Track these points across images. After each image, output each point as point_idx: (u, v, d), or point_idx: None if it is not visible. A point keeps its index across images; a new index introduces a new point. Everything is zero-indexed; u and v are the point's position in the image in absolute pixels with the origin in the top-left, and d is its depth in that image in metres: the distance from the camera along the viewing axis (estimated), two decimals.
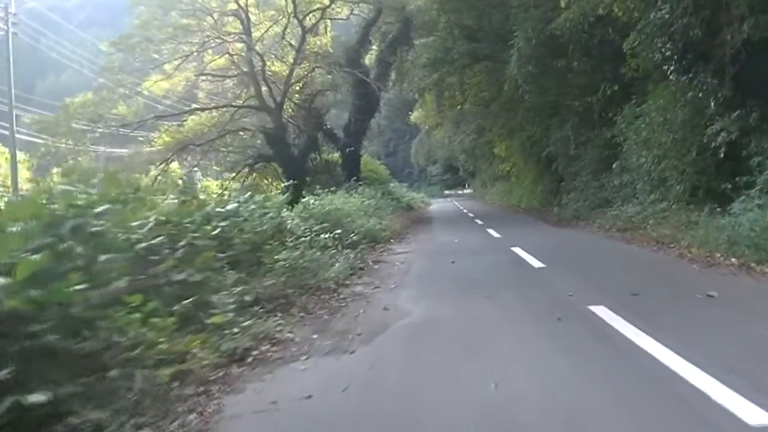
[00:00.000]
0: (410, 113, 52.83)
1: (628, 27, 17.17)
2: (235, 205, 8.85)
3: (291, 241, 10.24)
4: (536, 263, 11.28)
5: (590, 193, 21.96)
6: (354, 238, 14.25)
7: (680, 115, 14.90)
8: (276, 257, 8.86)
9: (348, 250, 13.08)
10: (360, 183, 28.36)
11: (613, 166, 20.92)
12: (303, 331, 6.93)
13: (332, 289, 9.48)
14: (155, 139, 32.03)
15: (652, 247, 12.71)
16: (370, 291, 9.46)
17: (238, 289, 7.02)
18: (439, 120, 43.58)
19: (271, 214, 10.18)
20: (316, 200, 16.56)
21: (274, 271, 8.62)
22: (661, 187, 16.45)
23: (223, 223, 7.92)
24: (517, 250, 13.56)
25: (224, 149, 33.78)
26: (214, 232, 7.44)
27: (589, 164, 23.24)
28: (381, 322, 7.12)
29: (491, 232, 19.51)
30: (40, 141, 30.66)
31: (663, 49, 14.12)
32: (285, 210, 12.56)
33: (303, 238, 11.23)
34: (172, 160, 30.42)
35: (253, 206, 10.23)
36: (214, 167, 35.63)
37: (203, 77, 33.45)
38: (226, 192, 26.32)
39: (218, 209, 8.42)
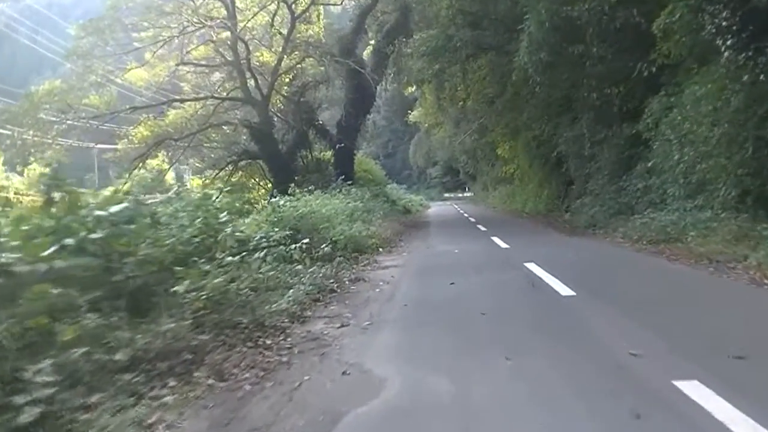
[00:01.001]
0: (409, 112, 50.10)
1: (656, 6, 14.51)
2: (125, 206, 5.82)
3: (229, 256, 7.25)
4: (562, 288, 8.33)
5: (608, 197, 19.03)
6: (326, 249, 11.31)
7: (733, 103, 11.95)
8: (192, 283, 5.90)
9: (320, 265, 10.24)
10: (350, 183, 25.57)
11: (636, 167, 18.14)
12: (194, 424, 4.02)
13: (280, 327, 6.59)
14: (133, 134, 29.12)
15: (704, 266, 9.79)
16: (333, 332, 6.54)
17: (82, 350, 4.09)
18: (438, 118, 40.72)
19: (201, 220, 7.22)
20: (287, 201, 13.65)
21: (187, 305, 5.72)
22: (701, 191, 13.59)
23: (96, 235, 5.00)
24: (532, 266, 10.67)
25: (208, 145, 30.88)
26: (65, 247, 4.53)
27: (606, 165, 20.35)
28: (329, 408, 4.20)
29: (497, 240, 16.59)
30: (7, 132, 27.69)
31: (716, 20, 11.23)
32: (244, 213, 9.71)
33: (252, 253, 8.32)
34: (149, 156, 27.45)
35: (179, 207, 7.35)
36: (197, 164, 32.58)
37: (187, 68, 30.43)
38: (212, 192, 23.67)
39: (99, 212, 5.47)
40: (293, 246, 9.94)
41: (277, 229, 11.06)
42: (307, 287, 8.37)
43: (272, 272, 8.06)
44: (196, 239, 6.89)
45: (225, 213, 7.83)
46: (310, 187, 21.18)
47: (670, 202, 15.07)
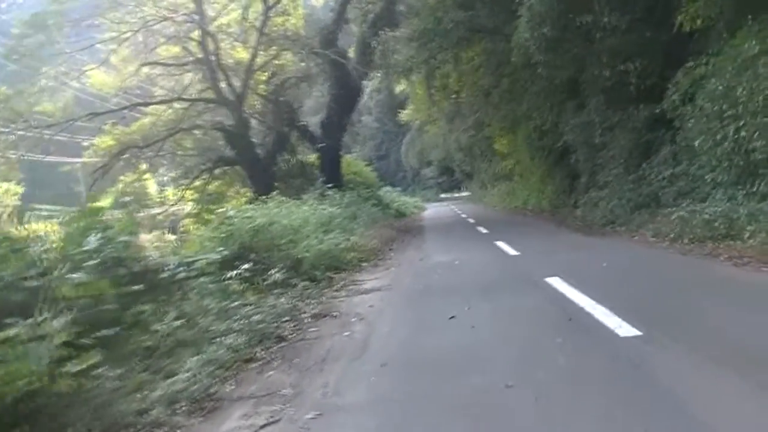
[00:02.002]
0: (400, 111, 47.40)
1: None
2: None
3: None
4: (615, 323, 5.45)
5: (627, 189, 16.19)
6: (282, 273, 8.46)
7: None
8: None
9: (278, 294, 7.45)
10: (335, 187, 22.84)
11: (659, 152, 15.44)
12: None
13: None
14: (97, 144, 26.27)
15: None
16: None
17: None
18: (431, 114, 37.98)
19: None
20: (241, 212, 10.84)
21: None
22: (754, 175, 10.82)
23: None
24: (558, 283, 7.89)
25: (182, 153, 28.04)
26: None
27: (621, 153, 17.55)
28: None
29: (503, 246, 13.72)
30: None
31: None
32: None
33: (160, 290, 5.51)
34: (111, 167, 24.56)
35: None
36: (171, 174, 29.61)
37: (157, 71, 27.42)
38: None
39: None
40: (232, 273, 7.12)
41: (222, 249, 8.28)
42: (238, 339, 5.55)
43: (180, 321, 5.23)
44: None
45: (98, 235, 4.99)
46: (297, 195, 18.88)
47: (710, 190, 12.32)
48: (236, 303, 6.61)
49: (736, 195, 11.16)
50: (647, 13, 15.85)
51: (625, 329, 5.26)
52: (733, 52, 11.39)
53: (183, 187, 26.97)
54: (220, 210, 11.38)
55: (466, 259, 12.30)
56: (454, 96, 31.05)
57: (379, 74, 28.23)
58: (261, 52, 25.85)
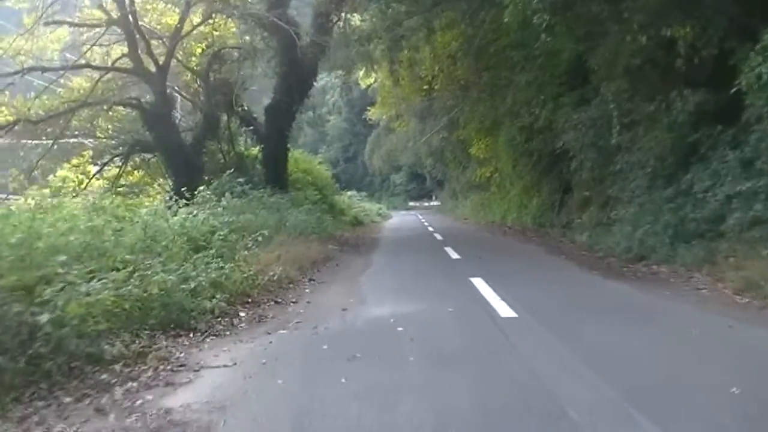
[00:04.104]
0: (368, 109, 42.04)
1: None
2: None
3: None
4: None
5: (666, 209, 10.99)
6: None
7: None
8: None
9: None
10: (272, 186, 17.46)
11: (712, 158, 10.40)
12: None
13: None
14: None
15: None
16: None
17: None
18: (399, 110, 32.59)
19: None
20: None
21: None
22: None
23: None
24: None
25: (100, 136, 22.23)
26: None
27: (648, 158, 12.40)
28: None
29: (484, 290, 8.39)
30: None
31: None
32: None
33: None
34: None
35: None
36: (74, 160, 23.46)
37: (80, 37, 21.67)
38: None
39: None
40: None
41: None
42: None
43: None
44: None
45: None
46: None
47: None
48: None
49: None
50: None
51: None
52: None
53: (87, 175, 21.08)
54: None
55: (422, 318, 6.83)
56: (426, 87, 25.76)
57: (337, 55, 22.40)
58: (191, 15, 20.36)
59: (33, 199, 9.89)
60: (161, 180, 23.50)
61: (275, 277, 8.63)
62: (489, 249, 16.18)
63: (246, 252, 8.77)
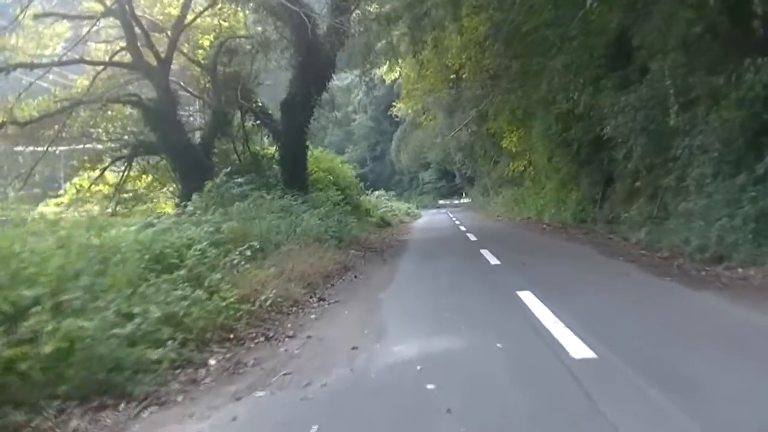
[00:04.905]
0: (394, 105, 40.20)
1: None
2: None
3: None
4: None
5: (745, 199, 9.02)
6: None
7: None
8: None
9: None
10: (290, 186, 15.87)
11: None
12: None
13: None
14: None
15: None
16: None
17: None
18: (425, 104, 30.83)
19: None
20: None
21: None
22: None
23: None
24: None
25: (105, 138, 20.83)
26: None
27: (712, 142, 10.44)
28: None
29: (537, 308, 6.56)
30: None
31: None
32: None
33: None
34: None
35: None
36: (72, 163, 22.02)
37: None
38: None
39: None
40: None
41: None
42: None
43: None
44: None
45: None
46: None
47: None
48: None
49: None
50: None
51: None
52: None
53: (84, 180, 19.71)
54: None
55: (461, 365, 4.91)
56: (452, 77, 24.00)
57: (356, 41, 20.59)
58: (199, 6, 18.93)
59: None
60: (174, 185, 21.98)
61: (267, 303, 6.87)
62: (531, 251, 14.22)
63: (219, 275, 6.83)
